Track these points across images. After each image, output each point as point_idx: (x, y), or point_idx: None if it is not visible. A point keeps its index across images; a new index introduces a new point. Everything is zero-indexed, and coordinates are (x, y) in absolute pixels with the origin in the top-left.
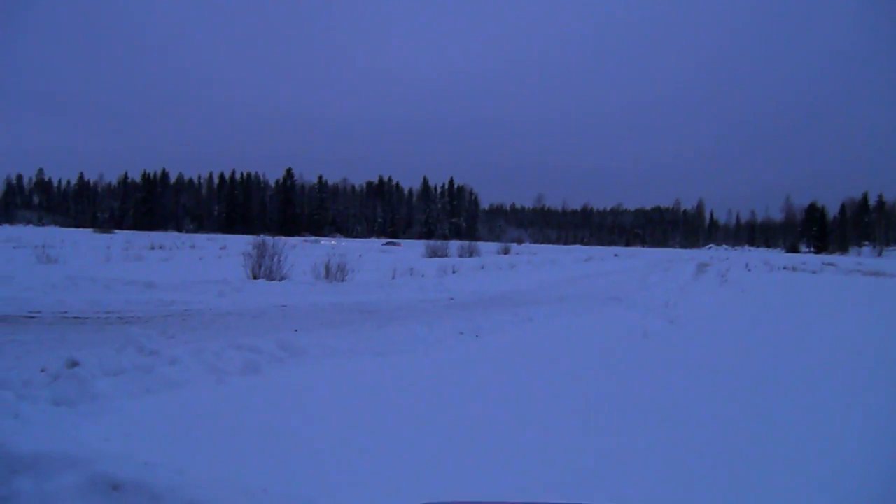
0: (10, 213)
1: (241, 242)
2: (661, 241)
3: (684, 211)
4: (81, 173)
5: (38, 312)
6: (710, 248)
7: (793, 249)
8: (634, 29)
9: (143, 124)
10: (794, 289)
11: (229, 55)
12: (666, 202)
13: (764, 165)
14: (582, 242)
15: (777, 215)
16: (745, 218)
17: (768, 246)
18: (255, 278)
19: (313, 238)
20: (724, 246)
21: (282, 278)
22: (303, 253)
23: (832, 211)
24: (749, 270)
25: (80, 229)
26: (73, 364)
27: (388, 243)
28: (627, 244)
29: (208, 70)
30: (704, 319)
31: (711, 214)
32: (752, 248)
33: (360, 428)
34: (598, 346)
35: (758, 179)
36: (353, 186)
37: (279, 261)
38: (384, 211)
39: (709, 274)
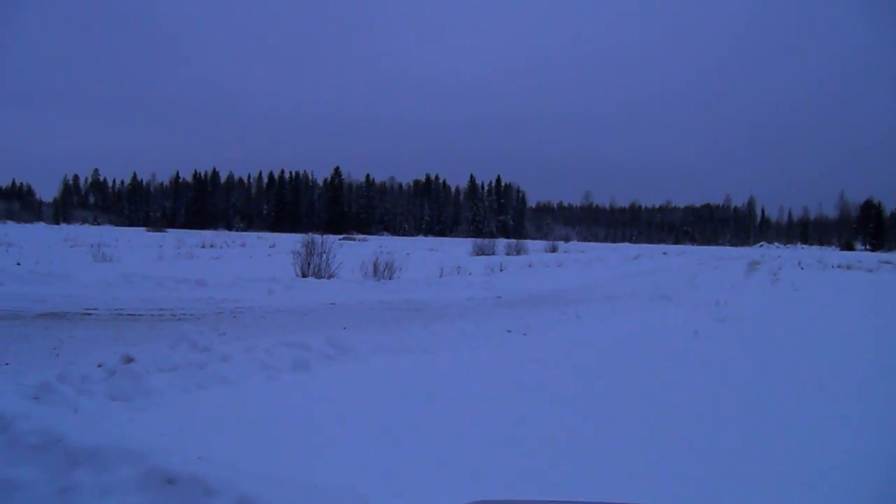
0: (67, 213)
1: (290, 241)
2: (711, 239)
3: (735, 208)
4: (135, 173)
5: (95, 309)
6: (761, 245)
7: (847, 247)
8: (678, 13)
9: (195, 126)
10: (848, 287)
11: (279, 59)
12: (716, 199)
13: (817, 161)
14: (630, 240)
15: (831, 212)
16: (797, 215)
17: (822, 243)
18: (304, 276)
19: (361, 236)
20: (776, 244)
21: (330, 276)
22: (350, 251)
23: (889, 207)
24: (802, 268)
25: (134, 228)
26: (129, 360)
27: (345, 238)
28: (677, 242)
29: (259, 73)
30: (756, 318)
31: (763, 211)
32: (804, 246)
33: (410, 425)
34: (648, 345)
35: (810, 176)
36: (400, 185)
37: (327, 259)
38: (431, 209)
39: (760, 272)
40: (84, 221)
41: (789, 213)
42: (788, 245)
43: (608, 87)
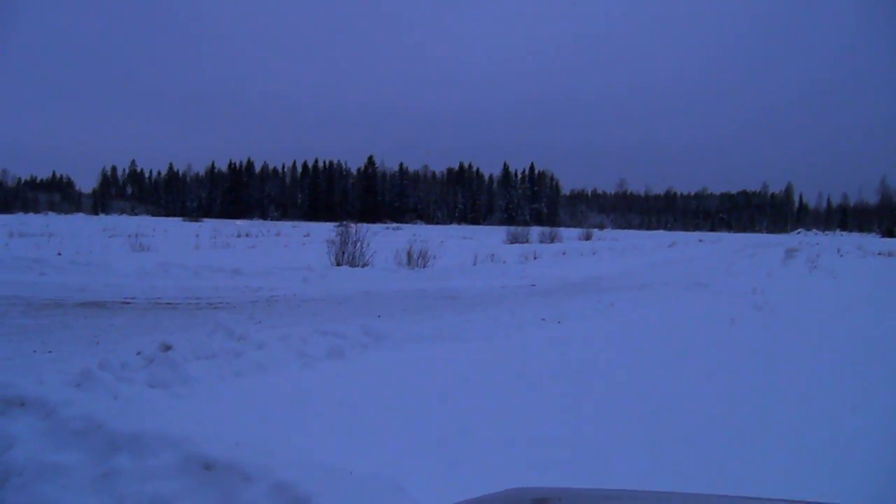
0: (105, 204)
1: (325, 229)
2: (747, 226)
3: (772, 194)
4: (171, 164)
5: (133, 298)
6: (799, 232)
7: (889, 234)
8: None
9: (230, 116)
10: (890, 275)
11: (312, 50)
12: (752, 186)
13: (857, 145)
14: (665, 228)
15: (871, 198)
16: (836, 201)
17: (861, 230)
18: (338, 265)
19: (395, 225)
20: (814, 230)
21: (364, 265)
22: (384, 240)
23: None
24: (841, 256)
25: (170, 218)
26: (167, 348)
27: (339, 225)
28: (712, 229)
29: (292, 64)
30: (793, 306)
31: (801, 198)
32: (844, 233)
33: (445, 413)
34: (683, 333)
35: (850, 161)
36: (433, 173)
37: (362, 247)
38: (464, 197)
39: (798, 259)
40: (122, 212)
41: (828, 199)
42: (827, 232)
43: (642, 68)
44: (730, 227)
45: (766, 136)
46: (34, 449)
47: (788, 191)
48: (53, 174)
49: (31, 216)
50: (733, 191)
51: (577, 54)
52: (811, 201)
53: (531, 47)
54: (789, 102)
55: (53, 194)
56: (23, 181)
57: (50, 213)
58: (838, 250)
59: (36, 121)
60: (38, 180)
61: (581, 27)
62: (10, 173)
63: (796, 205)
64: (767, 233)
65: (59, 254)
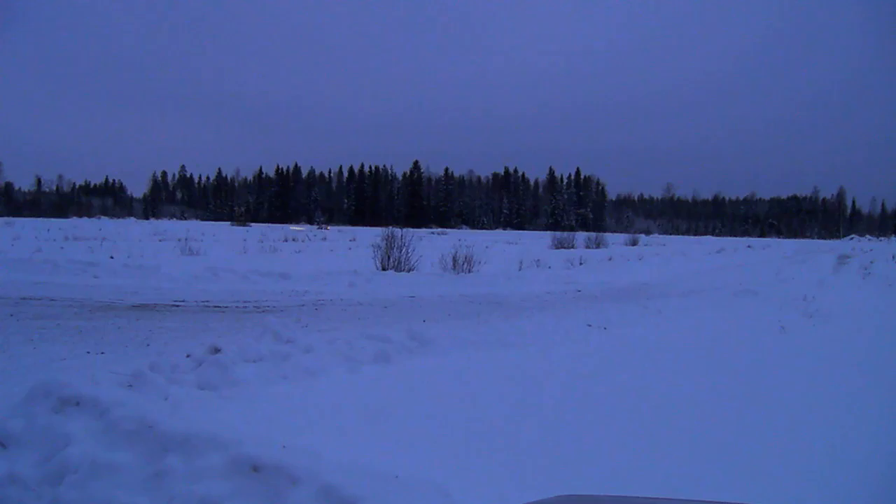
0: (156, 208)
1: (370, 234)
2: (797, 232)
3: (823, 200)
4: (219, 169)
5: (183, 301)
6: (851, 238)
7: None
8: None
9: (277, 122)
10: None
11: (358, 57)
12: (803, 190)
13: None
14: (713, 233)
15: None
16: (891, 206)
17: None
18: (384, 269)
19: (440, 230)
20: (868, 236)
21: (410, 269)
22: (430, 244)
23: None
24: None
25: (219, 222)
26: (216, 351)
27: (319, 227)
28: (762, 235)
29: (338, 71)
30: (846, 314)
31: (853, 203)
32: None
33: (491, 418)
34: (733, 341)
35: None
36: (479, 178)
37: (407, 252)
38: (510, 202)
39: (851, 266)
40: (172, 216)
41: (882, 204)
42: (881, 238)
43: (689, 63)
44: (780, 233)
45: (818, 139)
46: (89, 448)
47: (840, 196)
48: (106, 179)
49: (84, 220)
50: (783, 196)
51: (623, 54)
52: (864, 206)
53: (577, 49)
54: (841, 102)
55: (106, 199)
56: (77, 186)
57: (102, 218)
58: (893, 257)
59: (90, 127)
60: (92, 185)
61: (625, 26)
62: (66, 178)
63: (849, 210)
64: (819, 238)
65: (112, 257)
